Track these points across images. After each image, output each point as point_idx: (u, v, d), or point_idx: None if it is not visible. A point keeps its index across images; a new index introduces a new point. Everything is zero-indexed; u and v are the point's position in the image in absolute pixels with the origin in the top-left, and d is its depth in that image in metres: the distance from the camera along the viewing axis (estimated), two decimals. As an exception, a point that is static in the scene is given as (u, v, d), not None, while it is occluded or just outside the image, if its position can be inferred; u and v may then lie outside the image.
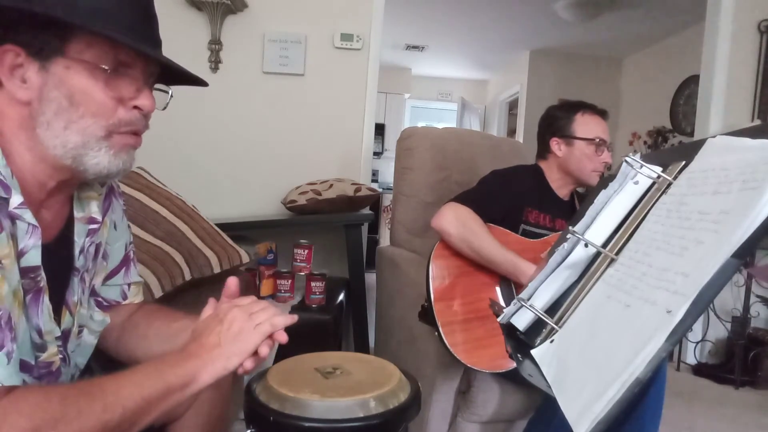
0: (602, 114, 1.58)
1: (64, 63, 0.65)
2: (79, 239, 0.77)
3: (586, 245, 0.67)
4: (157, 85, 0.76)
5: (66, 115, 0.66)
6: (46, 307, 0.70)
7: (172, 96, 0.79)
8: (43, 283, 0.69)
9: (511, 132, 6.06)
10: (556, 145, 1.57)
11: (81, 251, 0.77)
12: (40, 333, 0.69)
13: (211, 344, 0.70)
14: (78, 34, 0.65)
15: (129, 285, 0.93)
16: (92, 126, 0.67)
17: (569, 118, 1.56)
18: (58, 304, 0.74)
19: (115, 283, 0.90)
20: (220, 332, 0.71)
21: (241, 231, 2.07)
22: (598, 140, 1.52)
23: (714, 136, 0.62)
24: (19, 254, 0.64)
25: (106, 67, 0.66)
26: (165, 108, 0.77)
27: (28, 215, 0.65)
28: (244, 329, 0.71)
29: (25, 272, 0.65)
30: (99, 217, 0.80)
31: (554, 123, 1.59)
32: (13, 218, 0.63)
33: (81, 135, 0.67)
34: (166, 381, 0.65)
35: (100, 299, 0.89)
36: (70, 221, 0.77)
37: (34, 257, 0.66)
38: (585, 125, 1.54)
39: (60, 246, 0.75)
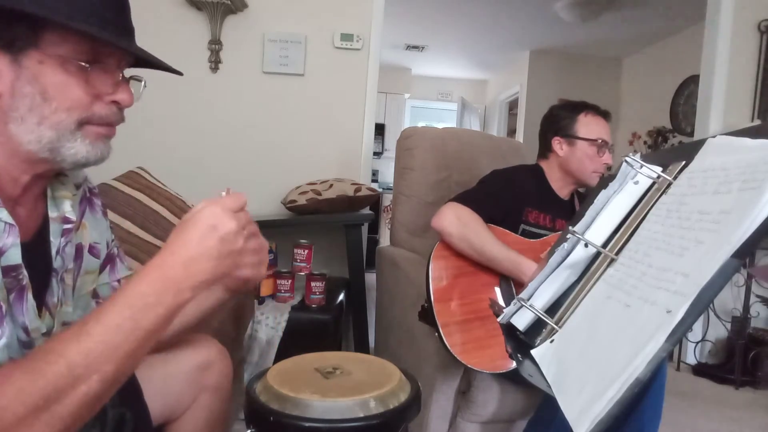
0: (605, 115, 1.59)
1: (37, 57, 0.63)
2: (55, 240, 0.75)
3: (586, 245, 0.67)
4: (131, 74, 0.73)
5: (39, 111, 0.64)
6: (31, 305, 0.68)
7: (145, 86, 0.76)
8: (26, 281, 0.67)
9: (511, 132, 6.06)
10: (558, 145, 1.57)
11: (57, 252, 0.76)
12: (26, 331, 0.68)
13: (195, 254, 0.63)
14: (51, 26, 0.63)
15: (119, 281, 0.91)
16: (65, 120, 0.65)
17: (572, 117, 1.56)
18: (38, 305, 0.72)
19: (103, 281, 0.89)
20: (210, 247, 0.64)
21: (241, 231, 2.07)
22: (600, 141, 1.52)
23: (714, 136, 0.62)
24: None
25: (82, 63, 0.65)
26: (139, 98, 0.74)
27: (3, 214, 0.63)
28: (234, 253, 0.66)
29: (6, 271, 0.64)
30: (73, 217, 0.78)
31: (557, 122, 1.59)
32: None
33: (55, 130, 0.65)
34: (145, 329, 0.59)
35: (99, 300, 0.88)
36: (46, 220, 0.75)
37: (14, 256, 0.65)
38: (587, 126, 1.55)
39: (38, 245, 0.73)
